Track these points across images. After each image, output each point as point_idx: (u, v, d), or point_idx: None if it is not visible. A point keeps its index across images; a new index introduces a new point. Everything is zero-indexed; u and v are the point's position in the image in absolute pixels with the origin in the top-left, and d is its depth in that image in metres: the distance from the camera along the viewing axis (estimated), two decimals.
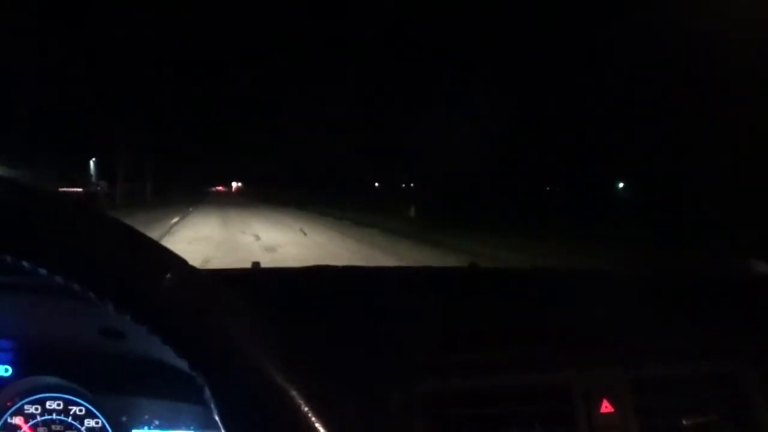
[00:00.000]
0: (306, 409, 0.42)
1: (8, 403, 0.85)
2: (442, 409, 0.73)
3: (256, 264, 1.35)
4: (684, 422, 0.79)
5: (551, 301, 1.01)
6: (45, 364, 0.86)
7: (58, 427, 0.86)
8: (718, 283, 1.22)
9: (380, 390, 0.71)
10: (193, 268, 0.45)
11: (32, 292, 0.76)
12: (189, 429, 0.84)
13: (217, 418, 0.43)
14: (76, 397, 0.85)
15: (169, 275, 0.43)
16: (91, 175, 26.13)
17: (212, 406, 0.42)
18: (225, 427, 0.43)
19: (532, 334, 0.86)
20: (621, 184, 23.12)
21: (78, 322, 0.81)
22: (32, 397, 0.85)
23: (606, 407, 0.77)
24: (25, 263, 0.41)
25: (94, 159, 24.06)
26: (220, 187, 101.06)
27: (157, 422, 0.84)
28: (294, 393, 0.42)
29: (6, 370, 0.86)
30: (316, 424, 0.42)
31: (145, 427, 0.84)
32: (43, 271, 0.42)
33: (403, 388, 0.72)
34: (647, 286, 1.15)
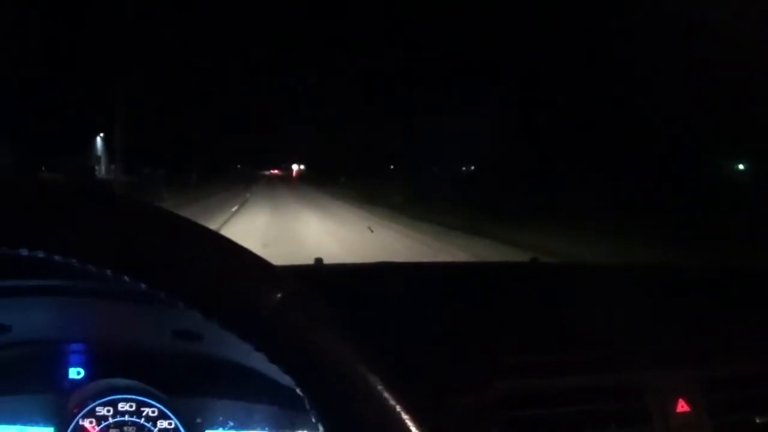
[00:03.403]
0: (411, 422, 0.44)
1: (79, 406, 0.87)
2: (518, 409, 0.75)
3: (318, 260, 1.26)
4: (757, 420, 0.80)
5: (618, 299, 1.00)
6: (117, 366, 0.88)
7: (131, 429, 0.88)
8: None
9: (457, 390, 0.73)
10: (299, 285, 0.47)
11: (106, 297, 0.79)
12: (263, 430, 0.87)
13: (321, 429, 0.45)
14: (148, 398, 0.88)
15: (279, 294, 0.44)
16: (99, 156, 23.01)
17: (317, 419, 0.45)
18: None
19: (604, 332, 0.87)
20: (741, 166, 17.98)
21: (152, 324, 0.84)
22: (104, 399, 0.88)
23: (682, 407, 0.78)
24: (127, 278, 0.43)
25: (101, 135, 20.60)
26: (275, 171, 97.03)
27: (231, 423, 0.87)
28: (401, 409, 0.44)
29: (78, 373, 0.89)
30: None
31: (220, 428, 0.87)
32: (144, 287, 0.43)
33: (480, 389, 0.74)
34: (716, 283, 1.17)
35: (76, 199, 0.44)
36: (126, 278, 0.43)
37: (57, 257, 0.42)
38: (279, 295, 0.44)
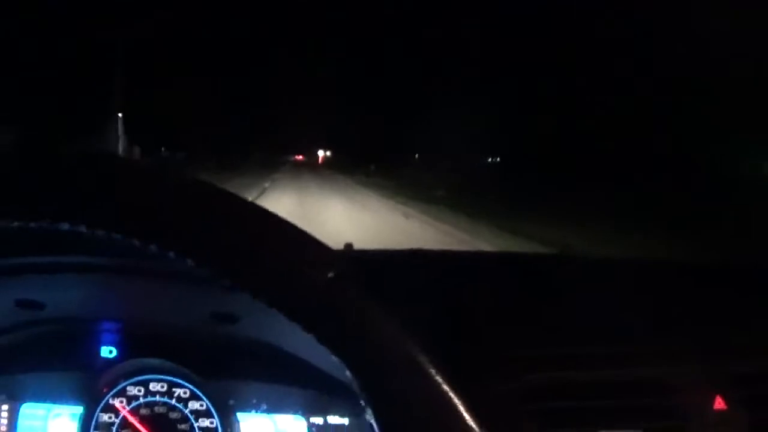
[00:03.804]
0: (460, 406, 0.45)
1: (110, 385, 0.87)
2: (548, 401, 0.74)
3: (348, 246, 1.26)
4: None
5: (650, 292, 1.00)
6: (150, 346, 0.88)
7: (161, 409, 0.88)
8: None
9: (488, 379, 0.73)
10: (347, 264, 0.47)
11: (143, 275, 0.78)
12: (297, 413, 0.87)
13: (371, 416, 0.45)
14: (181, 379, 0.88)
15: (330, 273, 0.44)
16: (119, 137, 22.62)
17: (366, 401, 0.45)
18: (380, 422, 0.44)
19: (638, 326, 0.86)
20: None
21: (189, 305, 0.84)
22: (135, 379, 0.88)
23: (719, 404, 0.77)
24: (172, 254, 0.43)
25: (120, 115, 20.15)
26: (299, 156, 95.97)
27: (264, 406, 0.87)
28: (449, 390, 0.45)
29: (110, 352, 0.88)
30: (468, 420, 0.45)
31: (252, 411, 0.87)
32: (192, 263, 0.43)
33: (509, 380, 0.74)
34: (750, 278, 1.16)
35: (123, 173, 0.44)
36: (172, 255, 0.42)
37: (101, 232, 0.42)
38: (330, 275, 0.44)
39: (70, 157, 0.44)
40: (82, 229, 0.41)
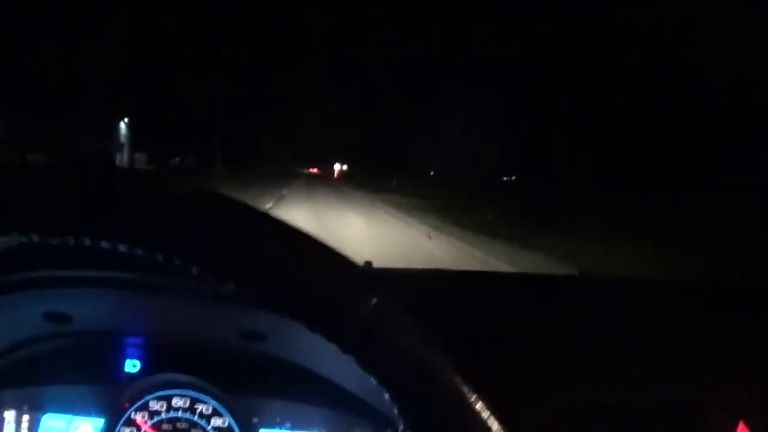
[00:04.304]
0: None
1: (132, 399, 0.87)
2: (578, 423, 0.75)
3: (368, 264, 1.17)
4: None
5: (674, 314, 0.99)
6: (174, 361, 0.88)
7: (183, 425, 0.88)
8: None
9: (522, 402, 0.72)
10: (389, 293, 0.46)
11: (172, 293, 0.79)
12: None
13: None
14: (204, 395, 0.88)
15: (374, 300, 0.43)
16: (122, 144, 22.11)
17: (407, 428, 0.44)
18: None
19: (664, 349, 0.86)
20: None
21: (217, 324, 0.85)
22: (158, 393, 0.88)
23: (742, 430, 0.77)
24: (212, 277, 0.42)
25: (126, 120, 19.57)
26: (313, 169, 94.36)
27: (288, 424, 0.87)
28: (491, 421, 0.44)
29: (134, 366, 0.89)
30: None
31: (276, 429, 0.87)
32: (233, 288, 0.42)
33: (541, 401, 0.74)
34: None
35: (166, 194, 0.43)
36: (212, 278, 0.41)
37: (142, 252, 0.41)
38: (375, 302, 0.43)
39: (104, 175, 0.42)
40: (105, 245, 0.41)
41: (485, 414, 0.43)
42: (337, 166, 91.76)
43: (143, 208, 0.41)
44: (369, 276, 0.45)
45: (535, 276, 1.61)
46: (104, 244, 0.41)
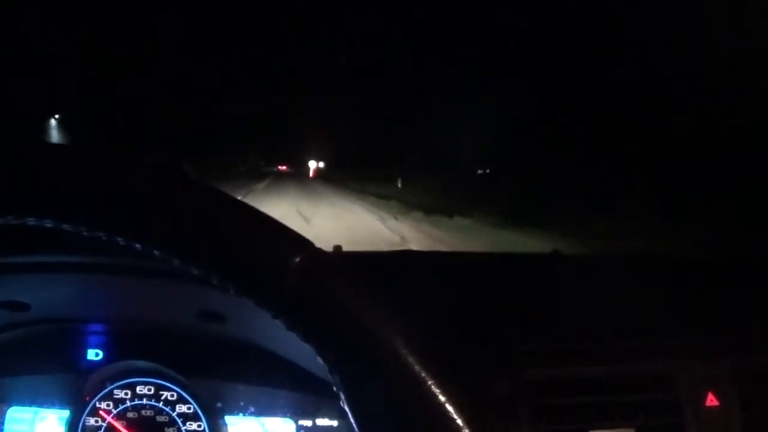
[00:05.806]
0: (444, 399, 0.41)
1: (96, 389, 0.87)
2: (547, 397, 0.76)
3: (337, 248, 1.23)
4: None
5: (648, 290, 1.00)
6: (137, 348, 0.88)
7: (148, 413, 0.88)
8: None
9: (489, 376, 0.74)
10: (321, 250, 0.44)
11: (127, 274, 0.78)
12: (285, 416, 0.87)
13: (347, 406, 0.41)
14: (168, 381, 0.87)
15: (299, 257, 0.41)
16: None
17: (342, 392, 0.42)
18: (356, 416, 0.41)
19: (634, 323, 0.88)
20: None
21: (175, 305, 0.84)
22: (122, 381, 0.88)
23: (711, 400, 0.79)
24: (138, 245, 0.41)
25: (57, 116, 17.83)
26: (282, 167, 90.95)
27: (252, 409, 0.87)
28: (432, 383, 0.41)
29: (96, 354, 0.88)
30: (455, 417, 0.40)
31: (240, 414, 0.87)
32: (159, 254, 0.41)
33: (510, 375, 0.75)
34: (747, 273, 1.15)
35: (100, 168, 0.41)
36: (156, 252, 0.41)
37: (84, 231, 0.40)
38: (301, 259, 0.41)
39: (44, 150, 0.41)
40: (48, 224, 0.40)
41: (431, 382, 0.40)
42: (312, 164, 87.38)
43: (85, 185, 0.40)
44: (296, 234, 0.43)
45: (509, 254, 1.59)
46: (49, 224, 0.39)
